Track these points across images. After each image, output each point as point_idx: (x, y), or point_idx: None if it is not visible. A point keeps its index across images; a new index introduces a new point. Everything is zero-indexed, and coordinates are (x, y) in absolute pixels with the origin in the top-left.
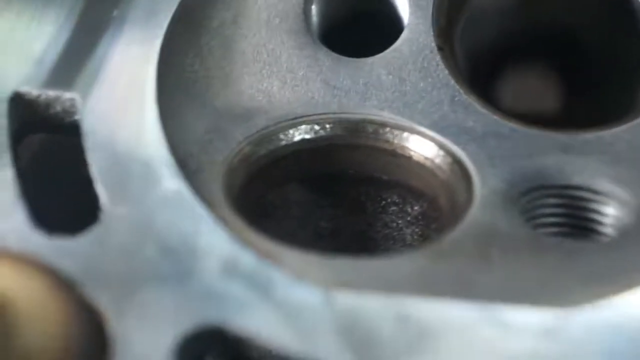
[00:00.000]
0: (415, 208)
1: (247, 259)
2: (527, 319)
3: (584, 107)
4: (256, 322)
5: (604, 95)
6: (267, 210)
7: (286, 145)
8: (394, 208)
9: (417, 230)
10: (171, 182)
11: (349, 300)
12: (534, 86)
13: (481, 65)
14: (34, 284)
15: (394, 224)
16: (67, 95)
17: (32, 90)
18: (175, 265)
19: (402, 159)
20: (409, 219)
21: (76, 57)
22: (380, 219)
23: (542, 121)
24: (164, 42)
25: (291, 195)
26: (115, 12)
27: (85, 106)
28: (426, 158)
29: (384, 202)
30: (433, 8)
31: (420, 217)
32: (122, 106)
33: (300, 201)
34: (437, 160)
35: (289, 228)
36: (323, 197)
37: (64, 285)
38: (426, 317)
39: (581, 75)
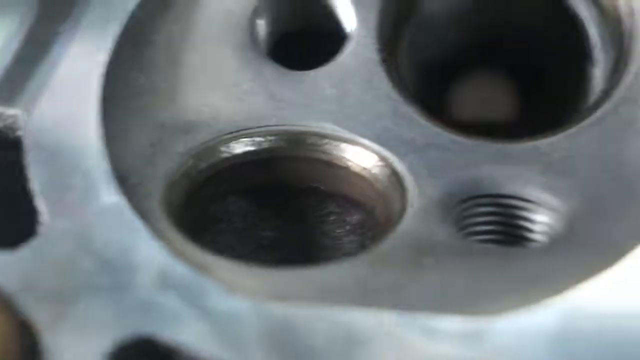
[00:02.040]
0: (354, 218)
1: (180, 271)
2: (454, 327)
3: (532, 115)
4: (187, 333)
5: (549, 103)
6: (209, 222)
7: (228, 158)
8: (333, 218)
9: (355, 239)
10: (110, 196)
11: (280, 311)
12: (485, 95)
13: (431, 76)
14: None
15: (334, 234)
16: (10, 111)
17: None
18: (111, 277)
19: (340, 169)
20: (348, 228)
21: (21, 74)
22: (320, 228)
23: (494, 129)
24: (110, 57)
25: (233, 207)
26: (62, 28)
27: (28, 122)
28: (364, 169)
29: (323, 212)
30: (377, 21)
31: (358, 227)
32: (65, 121)
33: (242, 213)
34: (375, 171)
35: (231, 240)
36: (264, 209)
37: (1, 300)
38: (356, 327)
39: (529, 84)
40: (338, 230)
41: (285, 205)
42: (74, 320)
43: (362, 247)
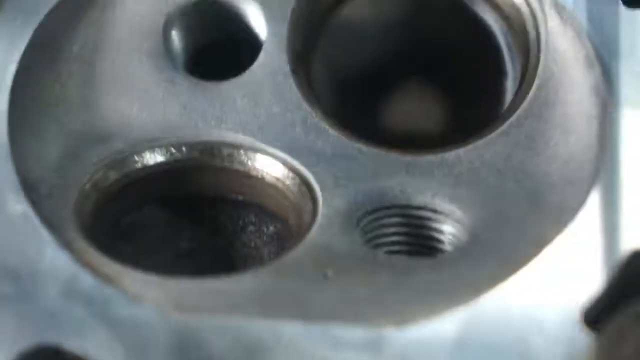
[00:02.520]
0: (270, 228)
1: (86, 281)
2: (355, 336)
3: (451, 126)
4: (93, 342)
5: (466, 115)
6: (123, 233)
7: (141, 168)
8: (251, 228)
9: (273, 249)
10: (17, 205)
11: (184, 321)
12: (403, 107)
13: (346, 88)
14: None
15: (252, 244)
16: None
17: None
18: (17, 286)
19: (255, 180)
20: (265, 238)
21: None
22: (238, 238)
23: (413, 141)
24: (20, 68)
25: (148, 217)
26: None
27: None
28: (277, 179)
29: (241, 222)
30: (288, 33)
31: (275, 237)
32: None
33: (158, 223)
34: (287, 182)
35: (147, 250)
36: (181, 219)
37: None
38: (259, 337)
39: (448, 95)
40: (256, 240)
41: (202, 216)
42: None
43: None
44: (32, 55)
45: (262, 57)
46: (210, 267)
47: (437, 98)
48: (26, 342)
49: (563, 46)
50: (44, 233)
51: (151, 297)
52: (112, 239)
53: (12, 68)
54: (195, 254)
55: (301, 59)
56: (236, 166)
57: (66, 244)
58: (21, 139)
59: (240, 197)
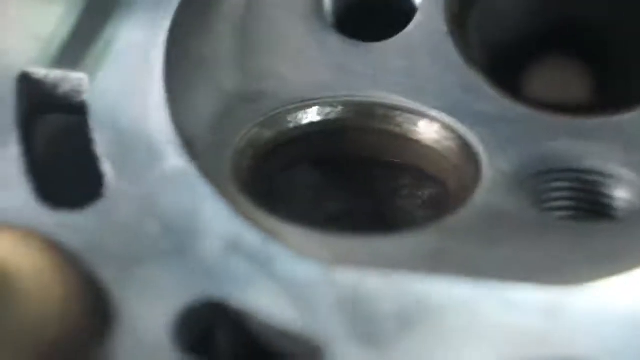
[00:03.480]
0: (427, 191)
1: (249, 236)
2: (528, 297)
3: (609, 96)
4: (257, 298)
5: (625, 84)
6: (276, 192)
7: (295, 128)
8: (405, 191)
9: (427, 213)
10: (176, 160)
11: (350, 277)
12: (558, 75)
13: (500, 52)
14: (36, 256)
15: (406, 207)
16: (75, 75)
17: (39, 70)
18: (178, 241)
19: (412, 142)
20: (420, 202)
21: (84, 38)
22: (392, 202)
23: (569, 110)
24: (173, 25)
25: (301, 178)
26: None
27: (92, 86)
28: (436, 141)
29: (395, 185)
30: None
31: (431, 200)
32: (129, 86)
33: (310, 184)
34: (447, 144)
35: (300, 210)
36: (333, 180)
37: (67, 258)
38: (427, 295)
39: (605, 65)
40: (411, 204)
41: (355, 178)
42: (142, 282)
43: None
44: (184, 12)
45: (418, 17)
46: (361, 229)
47: (593, 66)
48: (191, 297)
49: None
50: (205, 188)
51: (317, 254)
52: (266, 197)
53: (166, 24)
54: (346, 216)
55: (458, 21)
56: (392, 128)
57: (226, 199)
58: (175, 95)
59: (397, 160)
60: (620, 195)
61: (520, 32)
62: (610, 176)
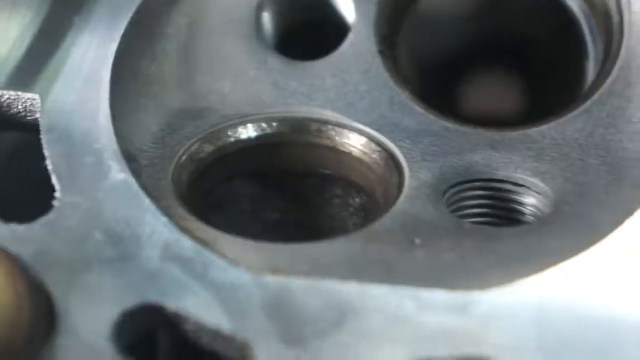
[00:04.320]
0: (356, 200)
1: (185, 244)
2: (440, 299)
3: (532, 109)
4: (192, 302)
5: (546, 97)
6: (215, 203)
7: (234, 142)
8: (337, 200)
9: (358, 221)
10: (119, 174)
11: (277, 282)
12: (484, 89)
13: (430, 69)
14: None
15: (338, 216)
16: (28, 95)
17: None
18: (120, 249)
19: (342, 154)
20: (351, 210)
21: (38, 59)
22: (324, 211)
23: (494, 122)
24: (120, 46)
25: (239, 190)
26: (75, 19)
27: (44, 105)
28: (364, 153)
29: (327, 195)
30: (376, 15)
31: (360, 209)
32: (78, 105)
33: (247, 196)
34: (374, 156)
35: (237, 221)
36: (270, 192)
37: (17, 268)
38: (350, 298)
39: (528, 79)
40: (342, 213)
41: (290, 189)
42: (85, 288)
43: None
44: (131, 33)
45: (350, 37)
46: (297, 238)
47: (518, 80)
48: (129, 301)
49: None
50: (145, 200)
51: (247, 261)
52: (205, 209)
53: (114, 46)
54: (282, 225)
55: (388, 41)
56: (324, 141)
57: (165, 210)
58: (122, 112)
59: (328, 171)
60: (530, 202)
61: (448, 50)
62: (522, 185)
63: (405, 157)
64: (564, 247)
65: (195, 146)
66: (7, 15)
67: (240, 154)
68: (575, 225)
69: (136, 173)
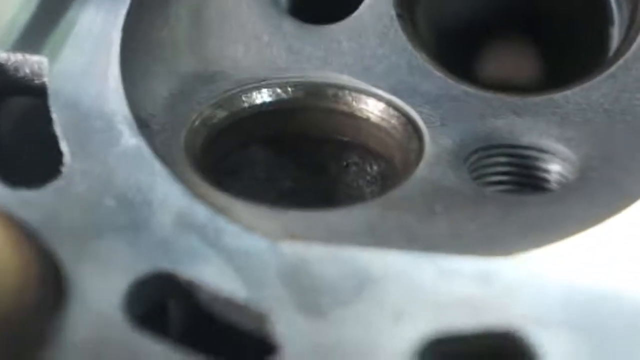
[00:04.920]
0: (374, 168)
1: (199, 211)
2: (463, 267)
3: (554, 75)
4: (206, 270)
5: (570, 63)
6: (230, 170)
7: (248, 108)
8: (354, 168)
9: (375, 189)
10: (131, 139)
11: (295, 250)
12: (507, 57)
13: (448, 34)
14: None
15: (355, 183)
16: (35, 58)
17: (1, 53)
18: (131, 216)
19: (360, 120)
20: (368, 178)
21: (45, 21)
22: (341, 178)
23: (512, 88)
24: (131, 9)
25: (254, 156)
26: None
27: (52, 68)
28: (382, 119)
29: (344, 163)
30: None
31: (378, 176)
32: (87, 68)
33: (262, 162)
34: (392, 121)
35: (252, 188)
36: (285, 158)
37: (25, 233)
38: (369, 266)
39: (551, 45)
40: (359, 180)
41: (306, 155)
42: (96, 255)
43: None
44: None
45: (367, 1)
46: (312, 205)
47: (537, 46)
48: (142, 269)
49: None
50: (157, 165)
51: (263, 228)
52: (218, 175)
53: (124, 9)
54: (298, 193)
55: (405, 4)
56: (341, 107)
57: (178, 177)
58: (133, 77)
59: (345, 138)
60: (555, 169)
61: (467, 15)
62: (546, 151)
63: (425, 122)
64: (591, 214)
65: (209, 111)
66: None
67: (254, 120)
68: (602, 192)
69: (148, 138)
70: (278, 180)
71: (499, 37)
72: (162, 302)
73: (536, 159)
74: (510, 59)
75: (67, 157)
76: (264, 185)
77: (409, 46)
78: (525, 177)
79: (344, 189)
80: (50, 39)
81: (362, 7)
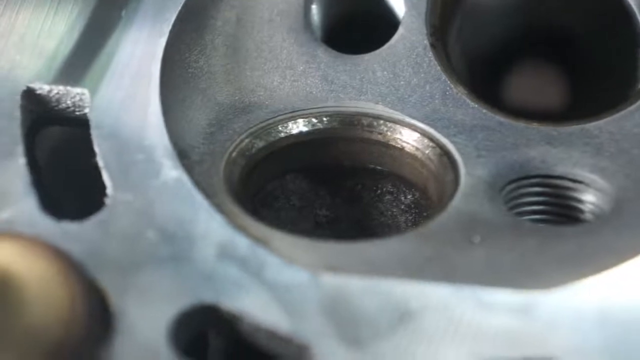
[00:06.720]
0: (408, 197)
1: (240, 243)
2: (502, 299)
3: (582, 102)
4: (249, 302)
5: (598, 91)
6: (266, 200)
7: (284, 138)
8: (388, 197)
9: (410, 218)
10: (172, 171)
11: (335, 282)
12: (536, 84)
13: (481, 64)
14: (42, 263)
15: (389, 212)
16: (77, 90)
17: (43, 85)
18: (174, 248)
19: (394, 150)
20: (402, 207)
21: (86, 54)
22: (375, 207)
23: (545, 117)
24: (169, 40)
25: (290, 185)
26: (123, 12)
27: (93, 100)
28: (417, 149)
29: (379, 192)
30: (427, 8)
31: (412, 206)
32: (128, 100)
33: (298, 191)
34: (427, 152)
35: (288, 217)
36: (320, 188)
37: (70, 265)
38: (408, 298)
39: (579, 72)
40: (393, 210)
41: (341, 185)
42: (140, 288)
43: (416, 225)
44: (180, 27)
45: (401, 30)
46: (348, 234)
47: (567, 74)
48: (186, 301)
49: None
50: (198, 197)
51: (303, 259)
52: (255, 205)
53: (162, 41)
54: (333, 221)
55: (438, 33)
56: (375, 136)
57: (219, 208)
58: (172, 108)
59: (379, 167)
60: (589, 199)
61: (498, 43)
62: (580, 181)
63: (460, 153)
64: (626, 247)
65: (246, 142)
66: (53, 10)
67: (290, 150)
68: (637, 224)
69: (188, 170)
70: (314, 209)
71: (530, 65)
72: (204, 332)
73: (570, 189)
74: (541, 87)
75: (109, 189)
76: (300, 214)
77: (443, 76)
78: (559, 207)
79: (379, 217)
80: (91, 72)
81: (395, 37)
